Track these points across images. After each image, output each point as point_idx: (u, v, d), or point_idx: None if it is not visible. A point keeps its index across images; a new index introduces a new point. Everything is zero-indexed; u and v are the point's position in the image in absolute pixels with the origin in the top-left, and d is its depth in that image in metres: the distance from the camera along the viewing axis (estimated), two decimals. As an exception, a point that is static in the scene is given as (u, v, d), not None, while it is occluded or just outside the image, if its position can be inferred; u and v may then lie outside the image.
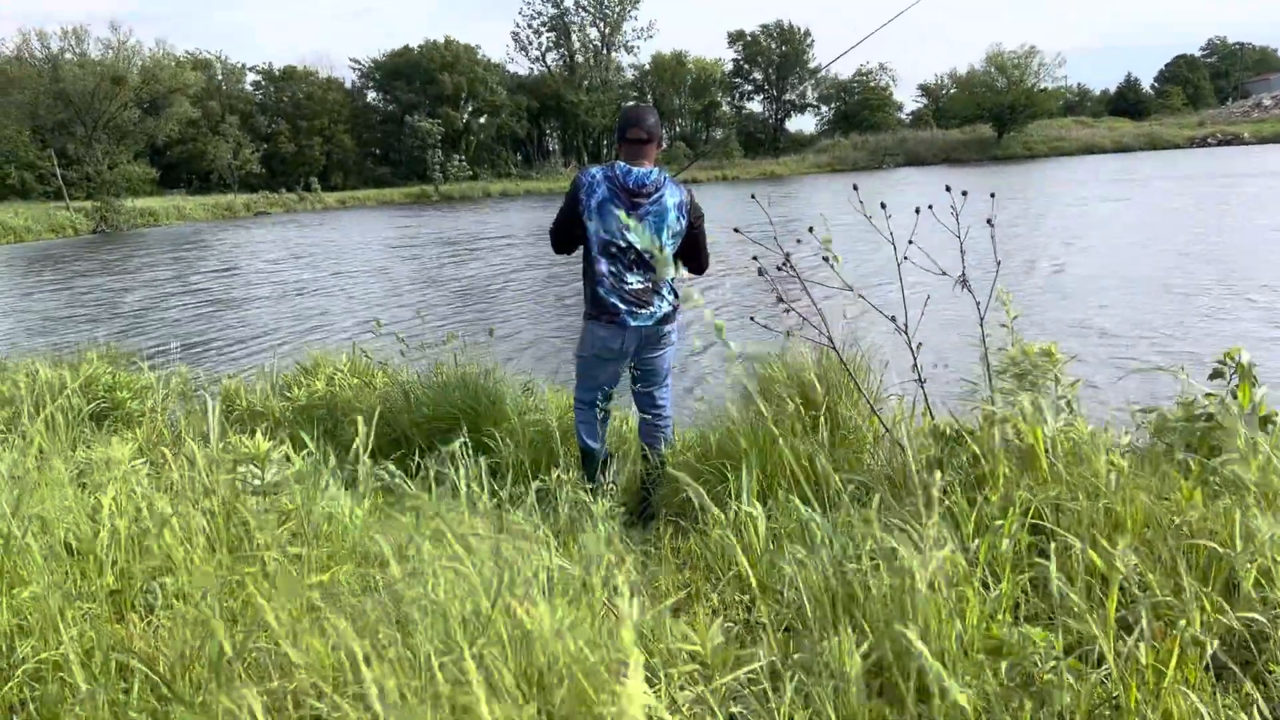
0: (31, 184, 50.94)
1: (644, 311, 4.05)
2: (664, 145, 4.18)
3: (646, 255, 4.00)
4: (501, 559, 1.92)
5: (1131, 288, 12.03)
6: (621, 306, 4.03)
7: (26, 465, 3.04)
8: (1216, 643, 2.04)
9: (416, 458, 3.42)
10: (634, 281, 4.02)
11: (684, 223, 4.04)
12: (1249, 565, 2.24)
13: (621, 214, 3.93)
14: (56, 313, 16.43)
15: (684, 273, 4.24)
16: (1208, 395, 3.29)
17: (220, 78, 67.60)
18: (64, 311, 16.54)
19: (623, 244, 3.98)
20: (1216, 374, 3.38)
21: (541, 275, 17.67)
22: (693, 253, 4.17)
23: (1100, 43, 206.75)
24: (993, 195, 4.14)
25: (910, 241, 3.53)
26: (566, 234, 4.14)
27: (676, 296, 4.18)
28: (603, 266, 4.02)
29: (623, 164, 3.97)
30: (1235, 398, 3.21)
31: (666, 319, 4.12)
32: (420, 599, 1.90)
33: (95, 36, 50.18)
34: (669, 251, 4.05)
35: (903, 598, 2.12)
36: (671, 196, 4.00)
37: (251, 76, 70.51)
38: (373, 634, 1.83)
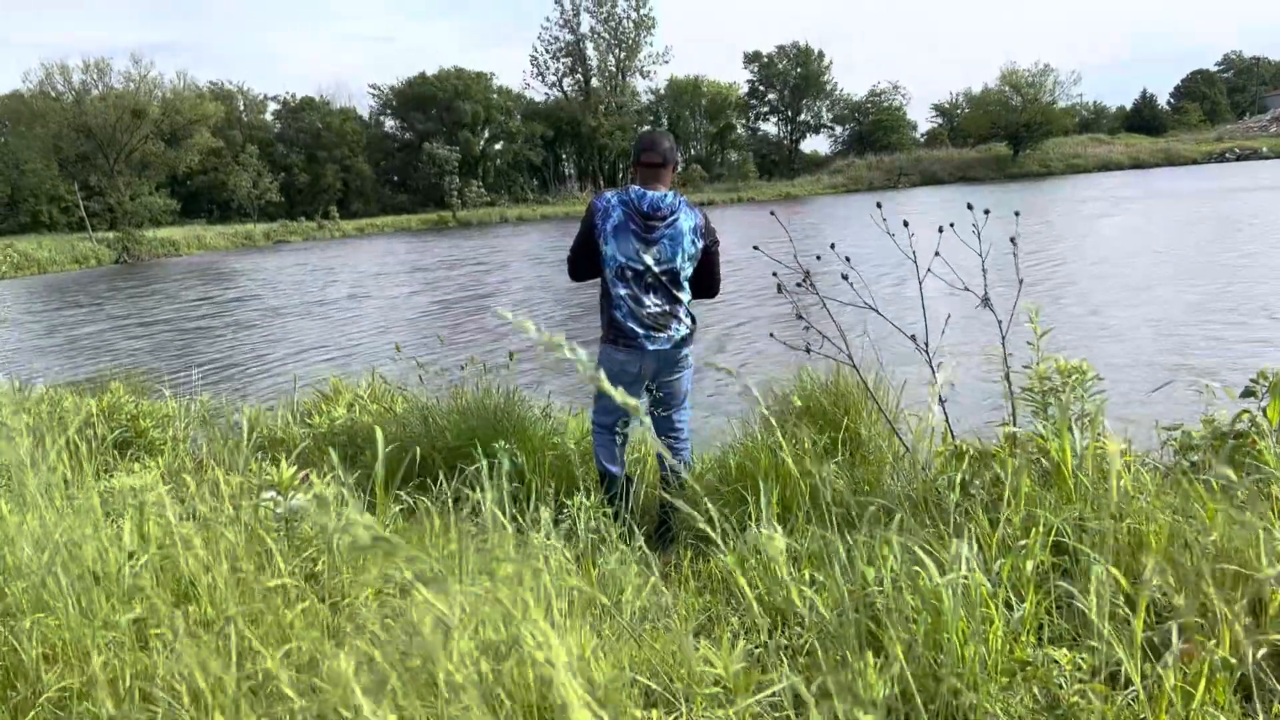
0: (56, 216, 51.65)
1: (662, 335, 4.04)
2: (679, 169, 4.20)
3: (664, 278, 4.01)
4: (523, 584, 1.92)
5: (1147, 303, 11.95)
6: (639, 331, 4.02)
7: (51, 494, 3.06)
8: (1245, 661, 2.02)
9: (437, 482, 3.43)
10: (652, 305, 4.02)
11: (699, 246, 4.05)
12: (1276, 585, 2.21)
13: (636, 240, 3.96)
14: (78, 340, 16.61)
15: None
16: (1242, 413, 3.26)
17: (242, 108, 68.50)
18: (86, 339, 16.72)
19: (639, 267, 3.99)
20: (1248, 392, 3.35)
21: (551, 298, 17.72)
22: (706, 276, 4.19)
23: (1116, 59, 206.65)
24: (1017, 214, 4.13)
25: (931, 268, 3.53)
26: (584, 260, 4.15)
27: (693, 320, 4.17)
28: (620, 290, 4.02)
29: (638, 188, 3.99)
30: (1266, 415, 3.18)
31: (684, 341, 4.11)
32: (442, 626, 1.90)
33: (117, 70, 50.95)
34: (686, 273, 4.06)
35: (926, 620, 2.11)
36: (687, 220, 4.01)
37: (272, 106, 71.50)
38: (398, 662, 1.83)
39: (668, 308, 4.05)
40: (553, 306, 16.84)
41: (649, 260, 3.97)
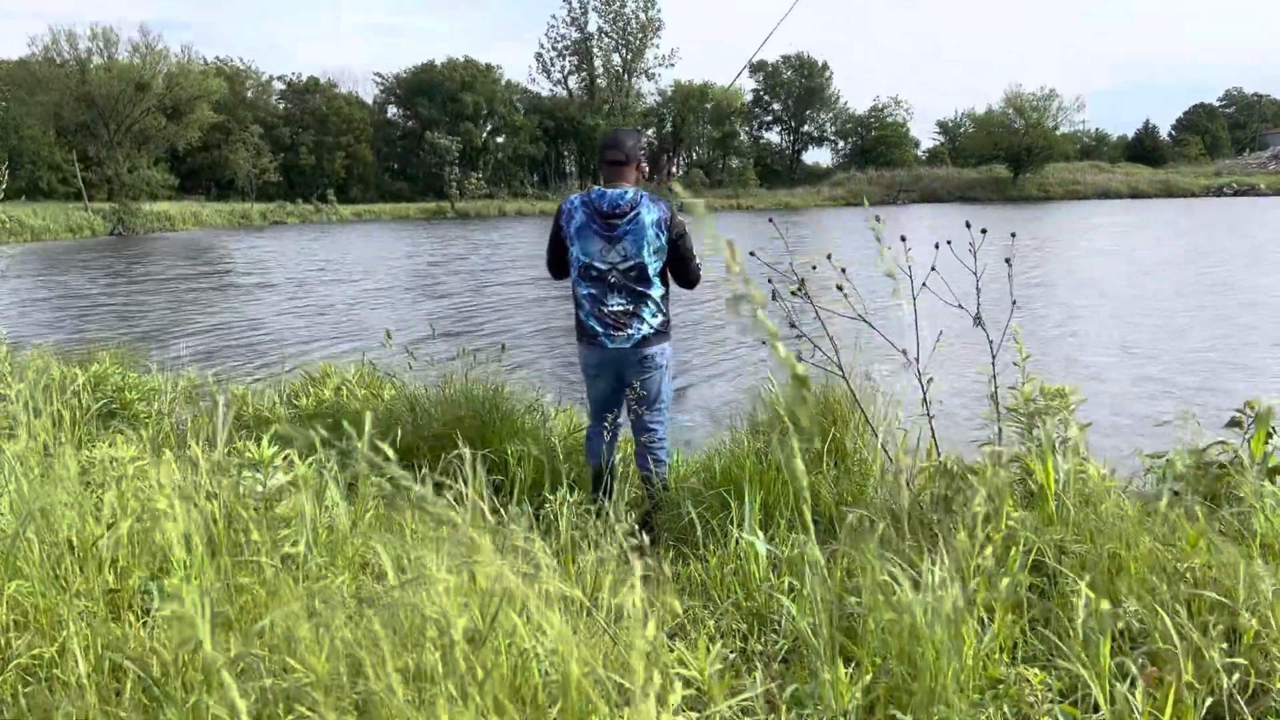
0: (55, 184, 51.32)
1: (620, 334, 4.08)
2: (645, 166, 4.25)
3: (631, 274, 4.04)
4: (500, 574, 1.91)
5: (1140, 331, 12.00)
6: (599, 329, 4.09)
7: (31, 460, 3.05)
8: (1215, 689, 2.02)
9: (421, 471, 3.41)
10: (614, 304, 4.06)
11: (664, 239, 4.06)
12: (1250, 615, 2.22)
13: (599, 239, 4.01)
14: (66, 309, 16.54)
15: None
16: (1223, 443, 3.28)
17: (247, 86, 68.26)
18: (74, 308, 16.64)
19: (603, 266, 4.03)
20: (1234, 423, 3.37)
21: (544, 295, 17.72)
22: (678, 267, 4.20)
23: (1119, 88, 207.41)
24: (1013, 235, 4.14)
25: (925, 284, 3.53)
26: (557, 260, 4.27)
27: (665, 320, 4.17)
28: (583, 290, 4.10)
29: (599, 188, 4.04)
30: (1249, 447, 3.19)
31: (646, 341, 4.12)
32: (416, 610, 1.89)
33: (125, 38, 50.71)
34: (654, 268, 4.08)
35: (900, 633, 2.11)
36: (649, 214, 4.02)
37: (278, 86, 71.26)
38: (371, 645, 1.83)
39: (630, 307, 4.07)
40: (538, 291, 16.84)
41: (614, 258, 4.01)
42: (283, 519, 2.91)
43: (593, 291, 4.08)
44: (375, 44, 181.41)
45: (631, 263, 4.03)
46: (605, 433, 4.27)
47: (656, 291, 4.12)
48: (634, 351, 4.11)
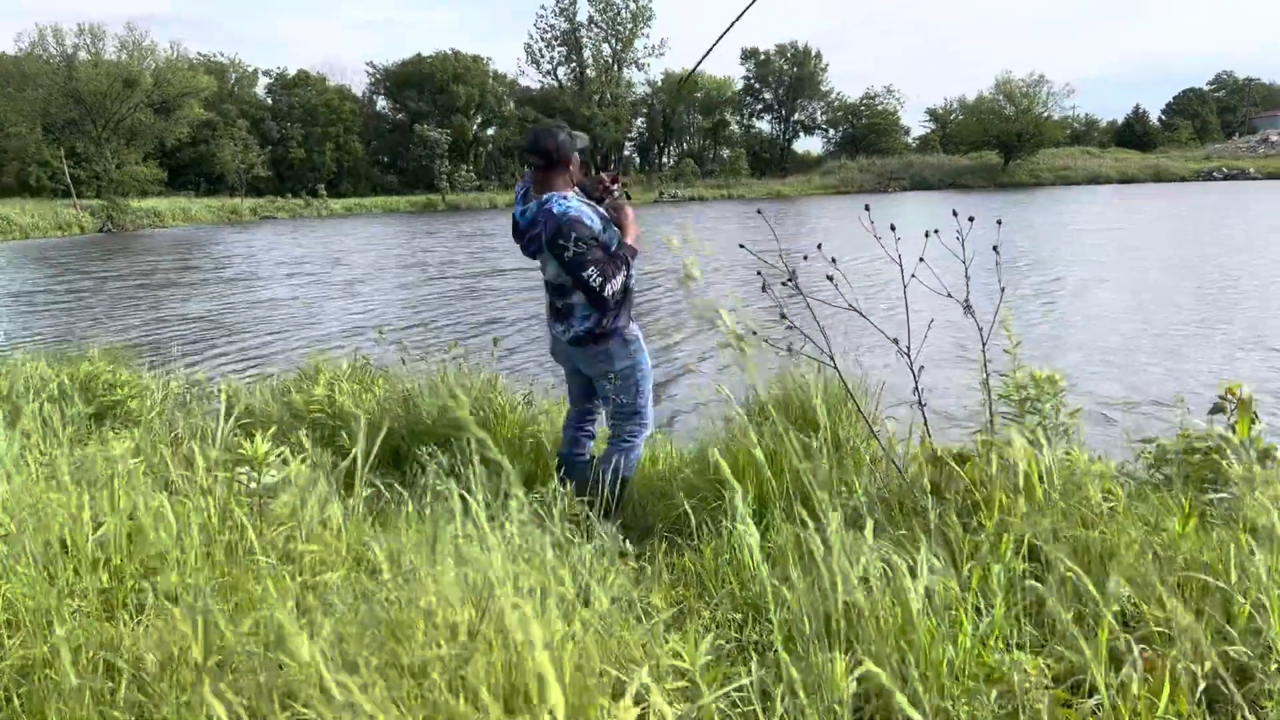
0: (43, 181, 51.00)
1: (559, 327, 4.02)
2: (576, 163, 3.81)
3: (560, 282, 3.89)
4: (493, 569, 1.92)
5: (1130, 317, 12.02)
6: (550, 320, 4.10)
7: (23, 461, 3.04)
8: (1208, 672, 2.03)
9: (415, 465, 3.42)
10: (555, 301, 4.00)
11: (568, 254, 3.68)
12: (1243, 598, 2.23)
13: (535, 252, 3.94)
14: (53, 309, 16.47)
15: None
16: (1211, 432, 3.29)
17: (234, 81, 67.94)
18: (61, 308, 16.58)
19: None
20: (1217, 409, 3.38)
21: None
22: (575, 283, 3.78)
23: (1109, 74, 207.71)
24: (999, 222, 4.14)
25: (914, 274, 3.53)
26: None
27: (600, 319, 3.90)
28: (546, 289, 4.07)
29: (519, 199, 3.97)
30: (1234, 431, 3.21)
31: (580, 341, 3.93)
32: (411, 606, 1.89)
33: (112, 33, 50.44)
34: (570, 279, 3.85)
35: (895, 620, 2.11)
36: (545, 233, 3.73)
37: (265, 80, 70.96)
38: (363, 641, 1.83)
39: (561, 305, 3.97)
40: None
41: (545, 268, 3.93)
42: (277, 516, 2.91)
43: (546, 289, 4.04)
44: (372, 41, 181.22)
45: (552, 279, 3.93)
46: (574, 421, 4.27)
47: (580, 299, 3.89)
48: (575, 348, 3.98)
